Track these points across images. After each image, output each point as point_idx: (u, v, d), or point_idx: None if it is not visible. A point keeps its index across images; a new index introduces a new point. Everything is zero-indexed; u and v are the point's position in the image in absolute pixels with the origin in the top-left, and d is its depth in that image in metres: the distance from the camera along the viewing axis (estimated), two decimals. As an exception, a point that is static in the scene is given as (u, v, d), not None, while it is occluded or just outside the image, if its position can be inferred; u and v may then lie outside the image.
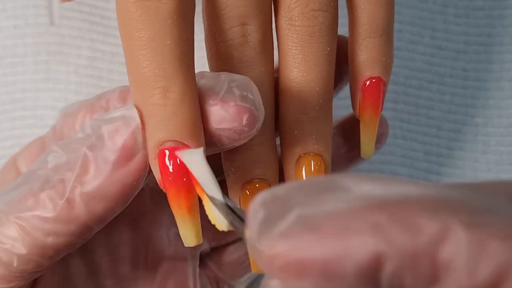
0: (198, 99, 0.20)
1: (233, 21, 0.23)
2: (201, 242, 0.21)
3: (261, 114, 0.21)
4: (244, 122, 0.20)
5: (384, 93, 0.25)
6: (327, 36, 0.23)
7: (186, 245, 0.21)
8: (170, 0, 0.20)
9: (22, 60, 0.33)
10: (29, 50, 0.33)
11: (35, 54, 0.33)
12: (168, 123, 0.20)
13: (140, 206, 0.27)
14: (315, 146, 0.24)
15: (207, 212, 0.19)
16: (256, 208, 0.15)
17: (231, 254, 0.29)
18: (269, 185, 0.23)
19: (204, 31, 0.23)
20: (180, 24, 0.20)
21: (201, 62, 0.33)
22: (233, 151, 0.23)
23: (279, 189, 0.15)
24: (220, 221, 0.18)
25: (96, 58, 0.33)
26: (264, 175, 0.23)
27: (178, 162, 0.20)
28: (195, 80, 0.21)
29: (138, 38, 0.20)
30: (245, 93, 0.21)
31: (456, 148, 0.33)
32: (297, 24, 0.23)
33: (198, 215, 0.20)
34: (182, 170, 0.20)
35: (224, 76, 0.21)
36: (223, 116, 0.20)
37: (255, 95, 0.21)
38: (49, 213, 0.20)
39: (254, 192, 0.23)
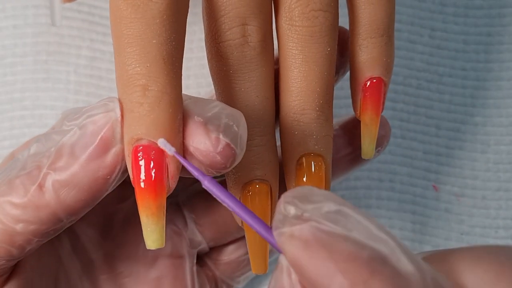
0: (180, 102, 0.20)
1: (233, 22, 0.22)
2: (163, 246, 0.20)
3: (240, 151, 0.20)
4: (219, 149, 0.20)
5: (385, 94, 0.25)
6: (327, 36, 0.23)
7: (147, 247, 0.20)
8: (161, 0, 0.20)
9: (22, 60, 0.33)
10: (28, 50, 0.33)
11: (34, 54, 0.33)
12: (143, 121, 0.19)
13: (135, 202, 0.27)
14: (316, 147, 0.23)
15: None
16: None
17: (229, 254, 0.29)
18: (269, 185, 0.23)
19: (204, 32, 0.23)
20: (169, 24, 0.20)
21: (202, 62, 0.33)
22: None
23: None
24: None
25: (95, 58, 0.33)
26: (265, 175, 0.23)
27: (151, 162, 0.19)
28: (180, 82, 0.20)
29: (126, 36, 0.20)
30: (231, 123, 0.20)
31: (455, 147, 0.33)
32: (297, 24, 0.23)
33: (163, 219, 0.20)
34: (155, 170, 0.19)
35: (218, 102, 0.21)
36: (201, 135, 0.20)
37: (241, 129, 0.20)
38: (20, 199, 0.20)
39: (254, 193, 0.23)
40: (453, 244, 0.33)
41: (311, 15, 0.23)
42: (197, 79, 0.33)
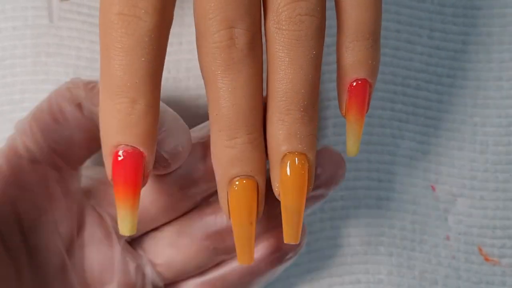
0: (159, 113, 0.23)
1: (220, 25, 0.23)
2: (135, 232, 0.24)
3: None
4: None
5: (370, 95, 0.26)
6: (313, 40, 0.24)
7: (121, 233, 0.23)
8: (150, 18, 0.22)
9: (21, 61, 0.33)
10: (28, 51, 0.33)
11: (34, 55, 0.33)
12: (130, 131, 0.22)
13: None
14: (299, 146, 0.24)
15: None
16: None
17: None
18: (256, 181, 0.25)
19: (196, 31, 0.24)
20: (156, 42, 0.23)
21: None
22: (219, 149, 0.24)
23: None
24: None
25: (95, 59, 0.33)
26: (250, 171, 0.24)
27: (134, 165, 0.23)
28: (160, 95, 0.23)
29: (116, 49, 0.22)
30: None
31: (454, 148, 0.34)
32: (284, 28, 0.24)
33: (137, 212, 0.23)
34: (136, 172, 0.23)
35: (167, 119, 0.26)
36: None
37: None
38: None
39: (240, 188, 0.24)
40: (452, 244, 0.33)
41: (298, 19, 0.24)
42: (197, 80, 0.33)
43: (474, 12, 0.35)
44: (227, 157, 0.24)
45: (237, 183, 0.24)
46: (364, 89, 0.25)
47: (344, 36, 0.25)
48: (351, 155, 0.26)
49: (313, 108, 0.24)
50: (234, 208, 0.25)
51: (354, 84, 0.25)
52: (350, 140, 0.26)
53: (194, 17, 0.24)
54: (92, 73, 0.33)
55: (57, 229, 0.27)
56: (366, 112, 0.26)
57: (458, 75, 0.34)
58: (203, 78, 0.25)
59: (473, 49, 0.34)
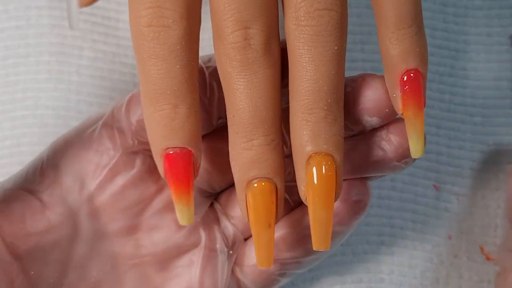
0: (200, 112, 0.24)
1: (235, 26, 0.23)
2: (192, 222, 0.25)
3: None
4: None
5: (424, 86, 0.24)
6: (333, 35, 0.23)
7: (181, 223, 0.25)
8: (178, 26, 0.23)
9: (24, 61, 0.33)
10: (31, 51, 0.33)
11: (37, 55, 0.33)
12: (176, 135, 0.24)
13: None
14: (325, 146, 0.23)
15: None
16: None
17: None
18: (274, 184, 0.24)
19: (212, 31, 0.24)
20: (187, 48, 0.23)
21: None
22: (237, 151, 0.24)
23: None
24: None
25: (97, 58, 0.33)
26: (268, 174, 0.24)
27: (185, 164, 0.24)
28: (199, 97, 0.24)
29: (151, 59, 0.23)
30: None
31: (455, 147, 0.34)
32: (303, 24, 0.23)
33: (193, 204, 0.24)
34: (188, 170, 0.24)
35: None
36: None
37: None
38: None
39: (258, 191, 0.24)
40: (454, 243, 0.33)
41: (316, 14, 0.23)
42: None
43: (475, 12, 0.35)
44: (245, 159, 0.24)
45: (255, 185, 0.24)
46: (417, 79, 0.24)
47: (385, 28, 0.24)
48: (417, 156, 0.25)
49: (337, 106, 0.24)
50: (252, 210, 0.24)
51: (406, 76, 0.24)
52: (413, 139, 0.24)
53: (211, 18, 0.24)
54: (94, 72, 0.33)
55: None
56: (424, 106, 0.24)
57: (459, 75, 0.34)
58: (221, 79, 0.24)
59: (474, 49, 0.34)
